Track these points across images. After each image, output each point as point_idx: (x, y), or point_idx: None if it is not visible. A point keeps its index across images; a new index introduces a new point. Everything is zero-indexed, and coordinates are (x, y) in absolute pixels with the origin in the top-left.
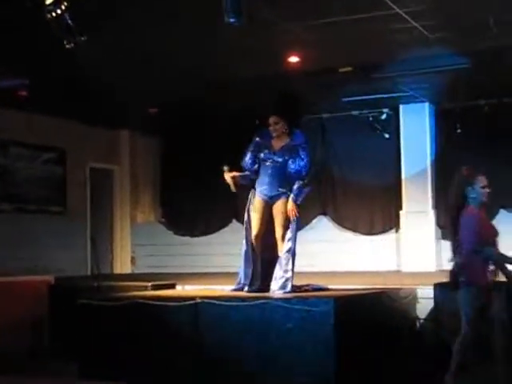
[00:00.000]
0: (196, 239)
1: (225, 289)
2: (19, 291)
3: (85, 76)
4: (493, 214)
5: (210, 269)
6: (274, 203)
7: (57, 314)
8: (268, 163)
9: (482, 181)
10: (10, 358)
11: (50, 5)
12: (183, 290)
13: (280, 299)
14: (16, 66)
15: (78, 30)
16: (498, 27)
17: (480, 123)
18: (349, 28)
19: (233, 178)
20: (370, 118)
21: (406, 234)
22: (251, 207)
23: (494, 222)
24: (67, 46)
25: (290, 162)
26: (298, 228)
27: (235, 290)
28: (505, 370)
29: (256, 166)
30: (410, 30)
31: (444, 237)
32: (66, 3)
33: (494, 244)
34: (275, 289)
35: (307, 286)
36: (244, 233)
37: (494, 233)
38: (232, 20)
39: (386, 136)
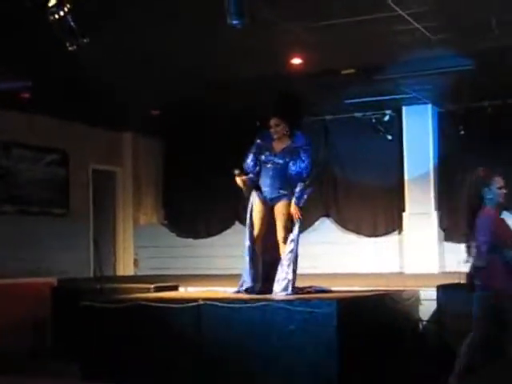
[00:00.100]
0: (198, 241)
1: (227, 291)
2: (22, 293)
3: (87, 77)
4: None
5: (212, 271)
6: (275, 205)
7: (59, 315)
8: (269, 165)
9: (498, 182)
10: (11, 358)
11: (52, 7)
12: (186, 291)
13: (282, 301)
14: (18, 68)
15: (80, 32)
16: (500, 28)
17: (483, 125)
18: (351, 30)
19: (243, 181)
20: (373, 120)
21: (409, 236)
22: (252, 209)
23: None
24: (69, 48)
25: (290, 163)
26: (301, 230)
27: (238, 291)
28: None
29: (258, 168)
30: (412, 31)
31: (447, 239)
32: (68, 5)
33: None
34: (277, 291)
35: (310, 287)
36: (246, 235)
37: (511, 234)
38: (235, 22)
39: (389, 138)
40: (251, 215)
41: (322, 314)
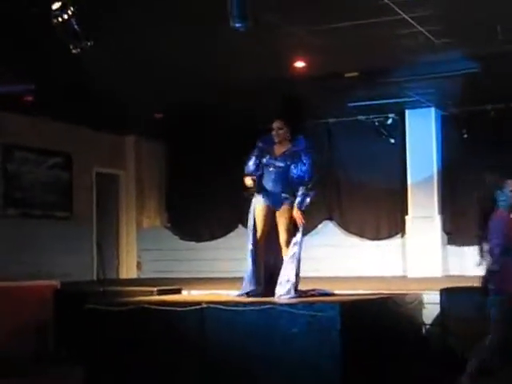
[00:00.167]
0: (202, 244)
1: (230, 294)
2: (25, 296)
3: (90, 81)
4: None
5: (215, 274)
6: (277, 209)
7: (62, 318)
8: (271, 169)
9: (511, 184)
10: (14, 362)
11: (56, 10)
12: (189, 295)
13: (286, 304)
14: (22, 71)
15: (84, 35)
16: (504, 33)
17: (486, 128)
18: (355, 33)
19: (254, 180)
20: (376, 123)
21: (412, 240)
22: (255, 212)
23: None
24: (73, 52)
25: (292, 167)
26: (304, 233)
27: (241, 295)
28: None
29: (260, 171)
30: (415, 35)
31: (450, 242)
32: (72, 8)
33: None
34: (281, 293)
35: (313, 290)
36: (248, 238)
37: None
38: (238, 25)
39: (392, 141)
40: (254, 219)
41: (325, 317)
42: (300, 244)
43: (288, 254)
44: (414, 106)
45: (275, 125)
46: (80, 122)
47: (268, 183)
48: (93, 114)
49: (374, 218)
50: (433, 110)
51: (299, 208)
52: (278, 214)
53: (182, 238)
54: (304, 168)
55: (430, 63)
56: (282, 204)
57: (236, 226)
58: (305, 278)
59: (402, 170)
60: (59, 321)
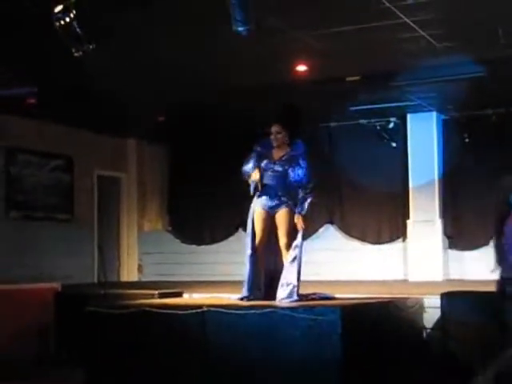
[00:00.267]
0: (203, 247)
1: (231, 297)
2: (26, 298)
3: (91, 83)
4: None
5: (216, 277)
6: (275, 213)
7: (63, 321)
8: (269, 173)
9: None
10: (16, 365)
11: (58, 13)
12: (190, 298)
13: (286, 308)
14: (24, 74)
15: (86, 38)
16: (506, 37)
17: (488, 132)
18: (356, 37)
19: (260, 174)
20: (378, 127)
21: (413, 244)
22: (254, 217)
23: None
24: (75, 55)
25: (290, 171)
26: (305, 237)
27: (241, 298)
28: None
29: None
30: (417, 39)
31: (451, 246)
32: (74, 11)
33: None
34: (281, 297)
35: (314, 294)
36: (247, 243)
37: None
38: (240, 29)
39: (394, 145)
40: (252, 223)
41: (326, 321)
42: (301, 247)
43: (289, 257)
44: (416, 110)
45: (273, 129)
46: (81, 124)
47: (266, 187)
48: (94, 116)
49: (375, 221)
50: (434, 114)
51: (299, 213)
52: (277, 218)
53: (183, 242)
54: (302, 172)
55: (431, 67)
56: (280, 208)
57: (237, 230)
58: (306, 281)
59: (403, 174)
60: (60, 323)
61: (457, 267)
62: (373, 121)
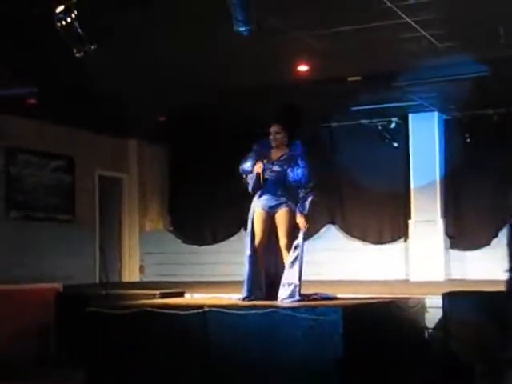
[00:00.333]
0: (204, 248)
1: (233, 297)
2: (27, 299)
3: (93, 84)
4: (502, 224)
5: (218, 277)
6: (275, 213)
7: (64, 321)
8: (268, 173)
9: None
10: (16, 365)
11: (59, 13)
12: (192, 298)
13: (288, 308)
14: (25, 74)
15: (87, 39)
16: (507, 37)
17: (489, 132)
18: (358, 37)
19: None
20: (379, 127)
21: (415, 244)
22: (253, 217)
23: (503, 233)
24: (77, 55)
25: (288, 170)
26: (306, 237)
27: (242, 298)
28: None
29: None
30: (419, 39)
31: (453, 246)
32: (75, 12)
33: None
34: (283, 297)
35: (315, 294)
36: (246, 243)
37: None
38: (241, 29)
39: (395, 145)
40: (252, 223)
41: (327, 321)
42: (302, 247)
43: (290, 257)
44: (417, 110)
45: (273, 129)
46: (82, 125)
47: (266, 188)
48: (95, 116)
49: (376, 222)
50: (436, 114)
51: (301, 212)
52: (276, 218)
53: (184, 242)
54: (301, 171)
55: (433, 67)
56: (280, 208)
57: (238, 230)
58: (307, 281)
59: (404, 174)
60: (61, 324)
61: (458, 267)
62: (374, 121)
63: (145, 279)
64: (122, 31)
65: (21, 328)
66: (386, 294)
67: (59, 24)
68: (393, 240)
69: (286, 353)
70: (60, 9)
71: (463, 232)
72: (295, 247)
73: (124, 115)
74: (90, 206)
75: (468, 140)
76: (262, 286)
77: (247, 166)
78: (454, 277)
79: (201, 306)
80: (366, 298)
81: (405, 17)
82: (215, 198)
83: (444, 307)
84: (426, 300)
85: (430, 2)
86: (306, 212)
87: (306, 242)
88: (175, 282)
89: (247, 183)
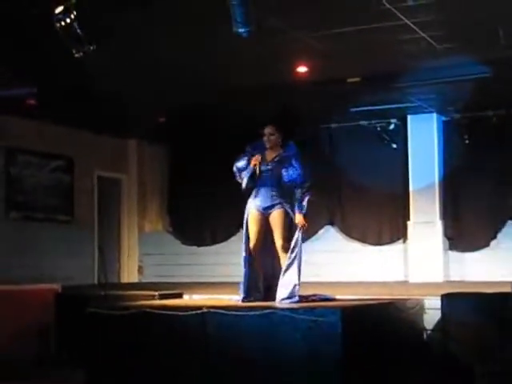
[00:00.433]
0: (203, 248)
1: (232, 298)
2: (26, 299)
3: (92, 84)
4: (500, 225)
5: (217, 278)
6: (269, 214)
7: (64, 322)
8: (262, 174)
9: None
10: (16, 365)
11: (59, 14)
12: (190, 299)
13: (287, 309)
14: (24, 74)
15: (87, 39)
16: (507, 39)
17: (488, 134)
18: (357, 38)
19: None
20: (378, 129)
21: (414, 245)
22: (248, 219)
23: (502, 234)
24: (76, 56)
25: (283, 171)
26: (305, 238)
27: (241, 300)
28: None
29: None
30: (418, 40)
31: (451, 248)
32: (75, 12)
33: None
34: (282, 297)
35: (314, 295)
36: (242, 245)
37: None
38: (241, 30)
39: (394, 146)
40: (247, 225)
41: (326, 322)
42: (300, 247)
43: (288, 258)
44: (416, 111)
45: (267, 130)
46: (82, 125)
47: (260, 189)
48: (94, 117)
49: (375, 223)
50: (435, 115)
51: (300, 211)
52: (271, 219)
53: (183, 243)
54: (295, 172)
55: (432, 69)
56: (274, 209)
57: (238, 231)
58: (306, 283)
59: (403, 176)
60: (61, 324)
61: (457, 268)
62: (373, 122)
63: (143, 280)
64: (122, 31)
65: (21, 328)
66: (384, 295)
67: (58, 25)
68: (392, 241)
69: (285, 354)
70: (59, 9)
71: (462, 233)
72: (293, 247)
73: (124, 115)
74: (89, 206)
75: (467, 141)
76: (260, 288)
77: (242, 164)
78: (452, 278)
79: (200, 307)
80: (364, 299)
81: (404, 18)
82: (215, 198)
83: (443, 308)
84: (425, 301)
85: (429, 3)
86: (304, 211)
87: (305, 243)
88: (174, 283)
89: (241, 181)
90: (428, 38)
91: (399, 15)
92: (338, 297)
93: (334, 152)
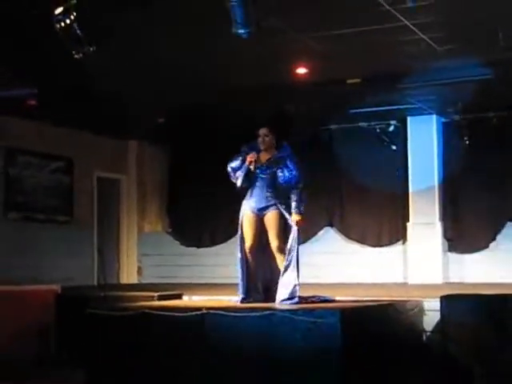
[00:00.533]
0: (203, 249)
1: (231, 299)
2: (26, 300)
3: (92, 85)
4: (500, 227)
5: (216, 279)
6: (264, 215)
7: (63, 322)
8: (257, 175)
9: None
10: (16, 365)
11: (58, 15)
12: (190, 300)
13: (286, 310)
14: (24, 75)
15: (86, 40)
16: (506, 40)
17: (488, 135)
18: (357, 39)
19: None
20: (378, 130)
21: (413, 246)
22: (243, 220)
23: (501, 236)
24: (76, 56)
25: (278, 172)
26: (304, 239)
27: (240, 301)
28: None
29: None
30: (418, 42)
31: (451, 249)
32: (74, 13)
33: None
34: (282, 298)
35: (313, 297)
36: (237, 247)
37: None
38: (240, 31)
39: (394, 148)
40: (242, 227)
41: (325, 323)
42: (297, 249)
43: (286, 259)
44: (416, 112)
45: (261, 132)
46: (82, 126)
47: (255, 190)
48: (94, 117)
49: (375, 224)
50: (434, 117)
51: (297, 212)
52: (266, 221)
53: (182, 244)
54: (290, 173)
55: (431, 70)
56: (269, 210)
57: (237, 232)
58: (305, 284)
59: (403, 177)
60: (61, 325)
61: (457, 270)
62: (373, 123)
63: (143, 281)
64: (122, 31)
65: (21, 328)
66: (384, 296)
67: (58, 25)
68: (391, 243)
69: (285, 355)
70: (59, 10)
71: (462, 235)
72: (290, 249)
73: (124, 116)
74: (89, 207)
75: (467, 143)
76: (259, 289)
77: (236, 163)
78: (452, 280)
79: (199, 308)
80: (364, 300)
81: (403, 20)
82: (215, 199)
83: (442, 310)
84: (424, 303)
85: (429, 5)
86: (302, 211)
87: (305, 245)
88: (173, 284)
89: (235, 180)
90: (428, 40)
91: (399, 16)
92: (337, 298)
93: (334, 153)
